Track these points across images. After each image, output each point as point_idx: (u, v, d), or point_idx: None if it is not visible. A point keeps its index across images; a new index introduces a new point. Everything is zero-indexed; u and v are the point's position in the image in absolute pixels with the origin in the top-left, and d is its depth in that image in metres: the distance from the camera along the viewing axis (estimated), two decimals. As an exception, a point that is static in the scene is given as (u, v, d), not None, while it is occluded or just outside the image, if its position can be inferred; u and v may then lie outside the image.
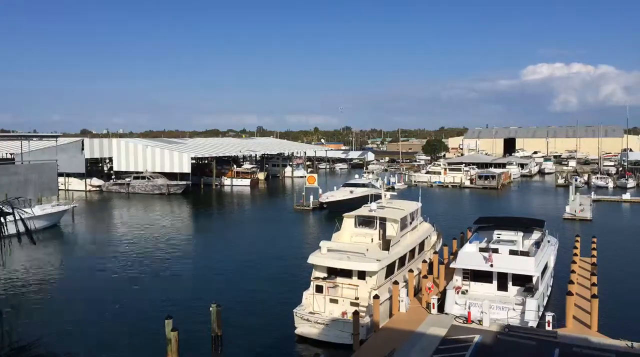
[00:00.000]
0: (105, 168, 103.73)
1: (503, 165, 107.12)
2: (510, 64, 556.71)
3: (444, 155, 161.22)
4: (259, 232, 48.98)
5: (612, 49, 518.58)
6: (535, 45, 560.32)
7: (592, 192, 69.36)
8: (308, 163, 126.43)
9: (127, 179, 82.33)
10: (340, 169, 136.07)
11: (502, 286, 23.63)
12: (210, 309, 21.52)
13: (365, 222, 28.06)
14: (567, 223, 51.67)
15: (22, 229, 9.08)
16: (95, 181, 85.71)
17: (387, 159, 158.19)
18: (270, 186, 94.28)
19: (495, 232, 27.52)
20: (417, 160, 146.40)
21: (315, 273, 24.29)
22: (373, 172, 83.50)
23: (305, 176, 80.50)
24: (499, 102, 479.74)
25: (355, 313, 20.52)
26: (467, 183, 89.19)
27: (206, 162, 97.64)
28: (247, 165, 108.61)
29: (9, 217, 9.30)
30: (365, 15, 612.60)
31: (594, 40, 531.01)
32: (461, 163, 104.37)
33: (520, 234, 26.72)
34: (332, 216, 50.82)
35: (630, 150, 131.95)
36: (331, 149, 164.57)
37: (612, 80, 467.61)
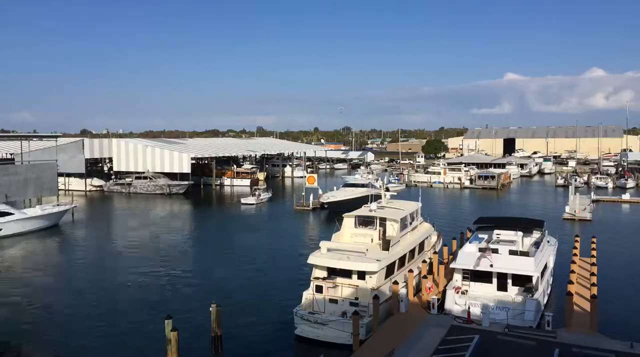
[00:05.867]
0: (105, 168, 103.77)
1: (503, 166, 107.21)
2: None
3: (444, 156, 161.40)
4: (259, 232, 48.96)
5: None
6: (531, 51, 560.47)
7: (592, 193, 69.36)
8: (308, 163, 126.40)
9: (129, 179, 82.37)
10: (340, 169, 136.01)
11: (502, 286, 23.62)
12: (210, 309, 21.52)
13: (365, 222, 28.08)
14: (566, 223, 51.69)
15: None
16: (96, 181, 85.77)
17: (386, 159, 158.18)
18: (270, 186, 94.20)
19: (495, 232, 27.51)
20: (417, 160, 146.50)
21: (315, 273, 24.30)
22: (373, 172, 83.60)
23: (305, 176, 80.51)
24: (499, 102, 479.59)
25: (355, 313, 20.53)
26: (467, 183, 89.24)
27: (206, 162, 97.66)
28: (247, 166, 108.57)
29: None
30: (366, 15, 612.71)
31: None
32: (461, 163, 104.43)
33: (520, 234, 26.70)
34: (332, 216, 50.85)
35: (630, 150, 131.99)
36: (331, 149, 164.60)
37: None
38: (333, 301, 22.87)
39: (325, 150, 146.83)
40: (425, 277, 25.69)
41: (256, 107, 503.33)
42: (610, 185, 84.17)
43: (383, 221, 27.61)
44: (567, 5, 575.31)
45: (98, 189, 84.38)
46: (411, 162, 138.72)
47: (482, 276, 23.91)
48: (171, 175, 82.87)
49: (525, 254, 24.42)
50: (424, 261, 27.70)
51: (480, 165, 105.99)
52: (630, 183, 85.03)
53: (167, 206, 68.08)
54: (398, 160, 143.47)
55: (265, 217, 59.04)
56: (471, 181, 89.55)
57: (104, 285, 31.15)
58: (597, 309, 21.38)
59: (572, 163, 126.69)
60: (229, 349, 21.44)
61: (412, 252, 27.87)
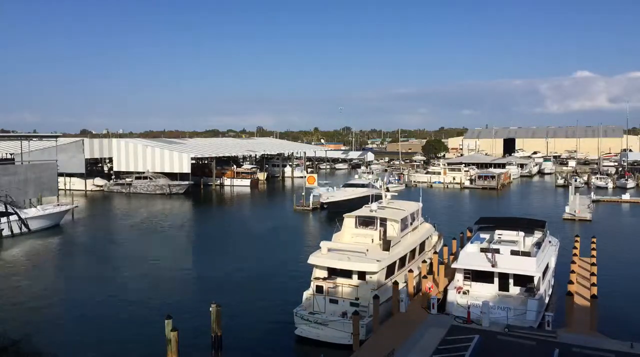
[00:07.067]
0: (105, 168, 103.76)
1: (503, 166, 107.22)
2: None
3: (444, 156, 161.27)
4: (259, 232, 48.95)
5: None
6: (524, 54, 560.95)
7: (592, 193, 69.36)
8: (308, 163, 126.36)
9: (129, 179, 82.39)
10: (340, 169, 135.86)
11: (504, 286, 23.62)
12: (210, 309, 21.52)
13: (366, 222, 28.05)
14: (567, 223, 51.69)
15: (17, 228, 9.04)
16: (99, 181, 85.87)
17: (386, 159, 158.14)
18: (270, 186, 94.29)
19: (497, 232, 27.51)
20: (415, 160, 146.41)
21: (316, 273, 24.30)
22: (373, 172, 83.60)
23: (305, 176, 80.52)
24: (498, 102, 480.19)
25: (355, 313, 20.52)
26: (467, 183, 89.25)
27: (206, 162, 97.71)
28: (247, 166, 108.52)
29: (10, 217, 9.30)
30: (366, 15, 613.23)
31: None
32: (461, 163, 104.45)
33: (522, 234, 26.69)
34: (332, 216, 50.84)
35: (630, 150, 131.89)
36: (331, 149, 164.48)
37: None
38: (333, 301, 22.87)
39: (325, 151, 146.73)
40: (425, 277, 25.66)
41: (256, 107, 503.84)
42: (610, 185, 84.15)
43: (384, 221, 27.59)
44: (567, 5, 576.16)
45: (98, 189, 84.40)
46: (414, 163, 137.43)
47: (483, 276, 23.91)
48: (171, 176, 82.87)
49: (526, 254, 24.41)
50: (424, 261, 27.72)
51: (480, 165, 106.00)
52: (631, 183, 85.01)
53: (167, 206, 68.08)
54: (398, 161, 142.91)
55: (265, 217, 59.02)
56: (471, 181, 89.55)
57: (104, 285, 31.13)
58: (597, 309, 21.38)
59: (572, 163, 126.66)
60: (229, 349, 21.43)
61: (412, 252, 27.85)
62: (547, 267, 25.29)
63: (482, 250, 24.84)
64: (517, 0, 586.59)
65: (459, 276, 24.59)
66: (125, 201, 73.08)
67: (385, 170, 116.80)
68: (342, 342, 21.12)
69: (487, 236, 28.11)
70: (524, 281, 23.29)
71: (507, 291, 23.48)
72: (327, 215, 57.01)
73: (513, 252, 24.15)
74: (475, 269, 24.00)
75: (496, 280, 23.74)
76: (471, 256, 24.52)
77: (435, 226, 34.96)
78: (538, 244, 26.97)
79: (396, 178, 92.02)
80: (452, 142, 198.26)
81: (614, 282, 29.85)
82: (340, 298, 22.88)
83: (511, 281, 23.57)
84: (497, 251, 24.19)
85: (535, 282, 23.03)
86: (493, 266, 23.46)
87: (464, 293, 23.61)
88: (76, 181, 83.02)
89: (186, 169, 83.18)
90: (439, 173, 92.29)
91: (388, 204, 31.41)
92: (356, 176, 73.63)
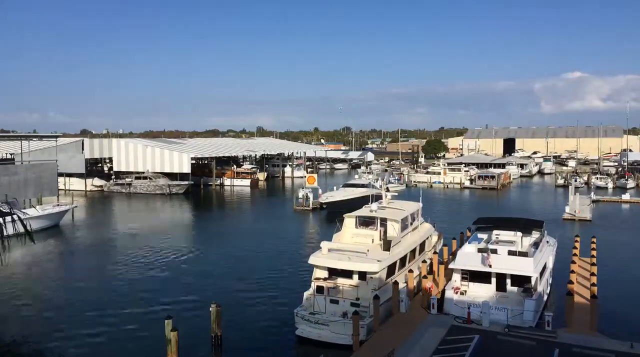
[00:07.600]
0: (105, 168, 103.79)
1: (503, 166, 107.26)
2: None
3: (444, 156, 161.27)
4: (259, 232, 48.96)
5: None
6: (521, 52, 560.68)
7: (592, 193, 69.38)
8: (308, 163, 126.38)
9: (128, 179, 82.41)
10: (340, 169, 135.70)
11: (501, 287, 23.64)
12: (210, 309, 21.55)
13: (366, 222, 28.08)
14: (566, 223, 51.71)
15: (21, 229, 9.10)
16: (98, 181, 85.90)
17: (386, 159, 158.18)
18: (270, 186, 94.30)
19: (494, 232, 27.51)
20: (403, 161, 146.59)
21: (316, 273, 24.32)
22: (372, 172, 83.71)
23: (305, 176, 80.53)
24: (499, 102, 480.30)
25: (355, 313, 20.55)
26: (467, 183, 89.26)
27: (206, 162, 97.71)
28: (247, 166, 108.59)
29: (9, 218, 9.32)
30: (365, 14, 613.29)
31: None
32: (461, 163, 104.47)
33: (519, 234, 26.71)
34: (331, 216, 50.87)
35: (630, 150, 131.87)
36: (331, 149, 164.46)
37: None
38: (334, 302, 22.89)
39: (325, 151, 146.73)
40: (425, 277, 25.70)
41: (256, 107, 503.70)
42: (610, 185, 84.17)
43: (384, 221, 27.61)
44: (567, 5, 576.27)
45: (98, 189, 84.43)
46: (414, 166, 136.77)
47: (481, 276, 23.93)
48: (171, 175, 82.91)
49: (524, 254, 24.43)
50: (424, 261, 27.73)
51: (480, 165, 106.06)
52: (631, 183, 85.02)
53: (167, 206, 68.11)
54: (398, 161, 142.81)
55: (265, 217, 59.05)
56: (471, 181, 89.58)
57: (104, 285, 31.16)
58: (597, 309, 21.41)
59: (572, 163, 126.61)
60: (229, 349, 21.48)
61: (412, 252, 27.88)
62: (544, 267, 25.31)
63: (480, 250, 24.87)
64: (517, 0, 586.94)
65: (456, 277, 24.61)
66: (125, 201, 73.09)
67: (385, 170, 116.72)
68: (342, 342, 21.14)
69: (484, 236, 28.14)
70: (521, 281, 23.31)
71: (505, 291, 23.49)
72: (327, 215, 57.02)
73: (510, 253, 24.16)
74: (472, 270, 24.02)
75: (493, 280, 23.75)
76: (468, 256, 24.54)
77: (435, 225, 34.99)
78: (536, 244, 27.01)
79: (396, 178, 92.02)
80: (452, 142, 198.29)
81: (614, 282, 29.89)
82: (340, 298, 22.90)
83: (508, 281, 23.58)
84: (494, 251, 24.21)
85: (533, 282, 23.05)
86: (490, 266, 23.41)
87: (461, 294, 23.63)
88: (76, 181, 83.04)
89: (186, 169, 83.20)
90: (439, 173, 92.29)
91: (388, 204, 31.42)
92: (356, 176, 73.75)
